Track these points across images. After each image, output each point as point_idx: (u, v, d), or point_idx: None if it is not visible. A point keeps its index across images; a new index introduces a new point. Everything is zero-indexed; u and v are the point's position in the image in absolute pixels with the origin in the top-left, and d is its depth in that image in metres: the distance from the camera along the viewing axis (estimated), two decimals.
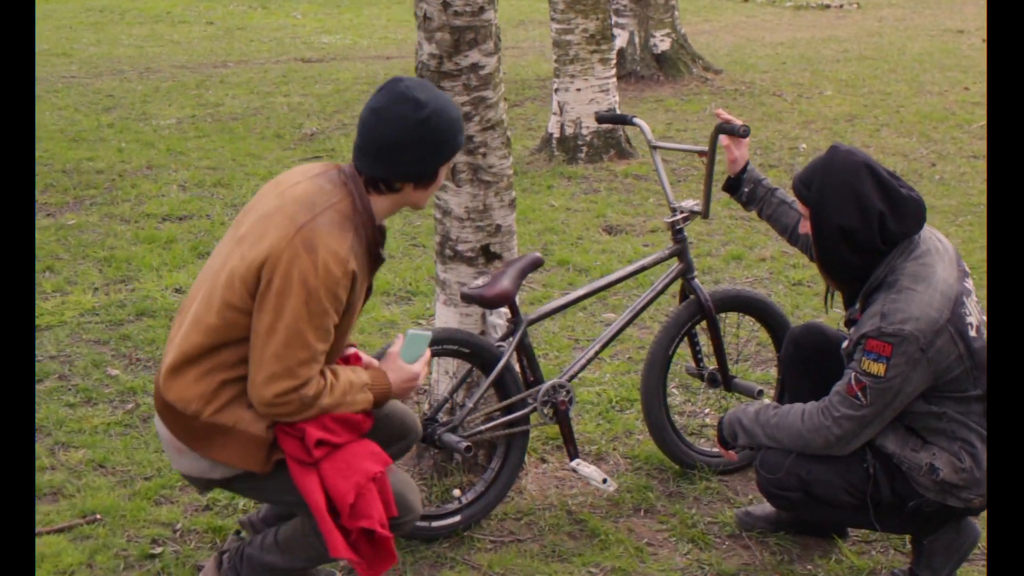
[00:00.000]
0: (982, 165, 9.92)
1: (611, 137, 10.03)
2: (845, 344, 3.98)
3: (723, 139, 4.58)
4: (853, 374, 3.82)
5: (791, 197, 4.46)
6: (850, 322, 4.00)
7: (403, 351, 3.71)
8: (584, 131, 9.94)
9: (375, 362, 3.76)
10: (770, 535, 4.43)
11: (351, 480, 3.43)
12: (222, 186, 9.15)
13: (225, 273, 3.43)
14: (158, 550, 4.30)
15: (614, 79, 10.05)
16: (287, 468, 3.50)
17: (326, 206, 3.42)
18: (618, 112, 10.12)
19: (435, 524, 4.35)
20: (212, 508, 4.57)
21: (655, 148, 4.91)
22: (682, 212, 4.79)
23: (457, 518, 4.39)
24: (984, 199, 8.91)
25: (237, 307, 3.39)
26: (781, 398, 4.92)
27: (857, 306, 3.92)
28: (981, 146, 10.62)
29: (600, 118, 5.15)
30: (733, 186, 4.63)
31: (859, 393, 3.80)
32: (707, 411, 5.48)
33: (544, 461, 4.99)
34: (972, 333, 3.81)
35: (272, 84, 13.65)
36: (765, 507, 4.49)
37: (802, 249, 4.43)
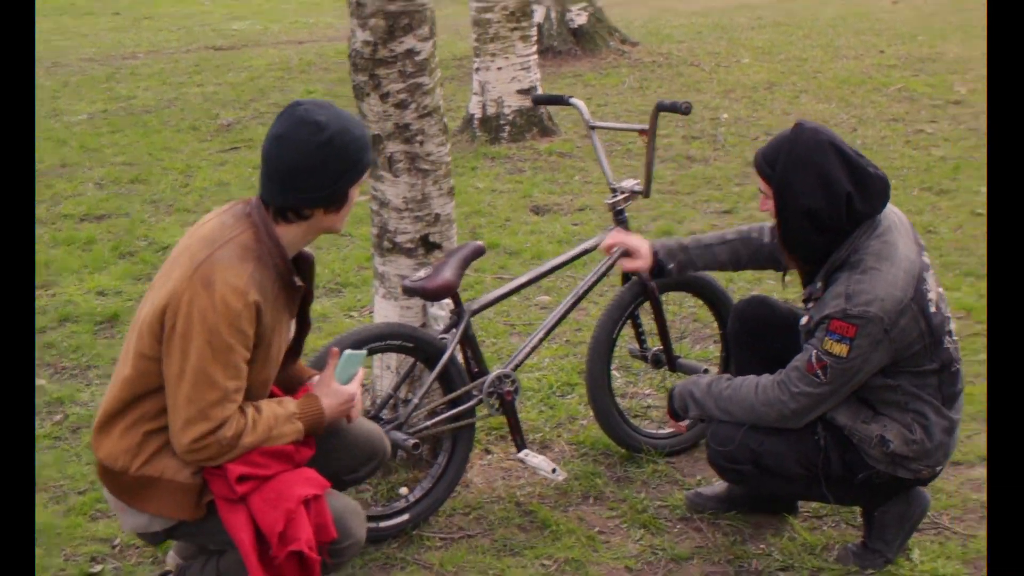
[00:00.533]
0: (902, 128, 9.99)
1: (533, 115, 9.96)
2: (804, 320, 3.92)
3: (625, 262, 4.47)
4: (814, 352, 3.76)
5: (704, 237, 4.42)
6: (809, 299, 3.95)
7: (338, 371, 3.60)
8: (506, 110, 9.86)
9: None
10: (722, 516, 4.39)
11: (281, 508, 3.32)
12: (140, 182, 8.96)
13: (138, 324, 3.37)
14: (97, 568, 4.16)
15: (535, 56, 9.98)
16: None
17: (225, 240, 3.32)
18: (540, 91, 10.05)
19: (383, 524, 4.25)
20: None
21: (593, 128, 4.82)
22: (623, 192, 4.71)
23: (405, 516, 4.29)
24: (906, 163, 8.96)
25: (147, 355, 3.31)
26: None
27: (819, 284, 3.86)
28: (899, 109, 10.69)
29: (536, 99, 5.05)
30: (660, 273, 4.48)
31: (819, 371, 3.75)
32: (649, 392, 5.43)
33: (488, 452, 4.90)
34: (932, 309, 3.78)
35: (184, 74, 13.42)
36: (715, 487, 4.45)
37: (759, 265, 4.39)
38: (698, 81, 12.07)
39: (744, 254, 4.39)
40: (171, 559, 3.93)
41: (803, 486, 3.99)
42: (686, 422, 4.31)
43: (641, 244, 4.45)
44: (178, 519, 3.44)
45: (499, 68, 9.81)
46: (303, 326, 3.63)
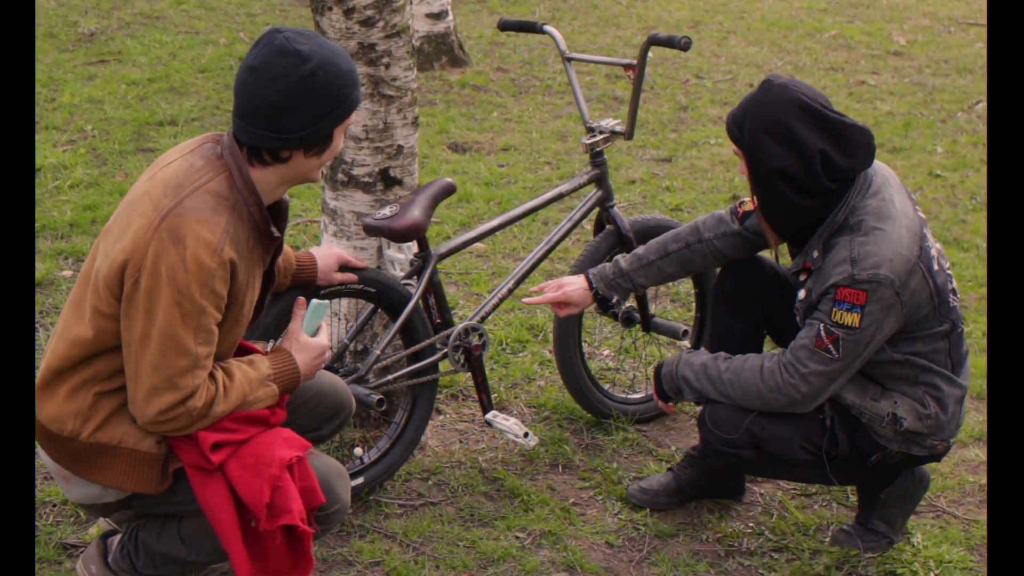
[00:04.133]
0: (843, 79, 10.17)
1: (443, 43, 9.91)
2: (802, 295, 3.94)
3: (559, 309, 4.50)
4: (821, 326, 3.81)
5: (644, 254, 4.39)
6: (799, 271, 3.99)
7: (305, 323, 3.56)
8: (414, 37, 9.76)
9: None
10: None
11: (264, 475, 3.26)
12: None
13: (92, 274, 3.27)
14: None
15: None
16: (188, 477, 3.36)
17: (195, 187, 3.22)
18: (451, 16, 9.96)
19: None
20: None
21: (569, 60, 4.82)
22: (602, 133, 4.72)
23: (360, 480, 4.28)
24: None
25: (104, 313, 3.22)
26: (700, 337, 4.95)
27: (815, 253, 3.89)
28: (837, 57, 10.88)
29: (503, 25, 4.99)
30: (605, 304, 4.50)
31: (830, 346, 3.80)
32: (606, 352, 5.48)
33: (439, 412, 4.91)
34: (935, 267, 3.87)
35: None
36: (659, 479, 4.45)
37: (723, 262, 4.38)
38: (616, 15, 12.13)
39: (697, 261, 4.37)
40: (102, 521, 3.86)
41: (806, 470, 4.06)
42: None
43: (572, 293, 4.43)
44: (138, 491, 3.38)
45: None
46: (267, 281, 3.54)
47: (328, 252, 4.10)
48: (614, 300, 4.45)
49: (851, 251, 3.77)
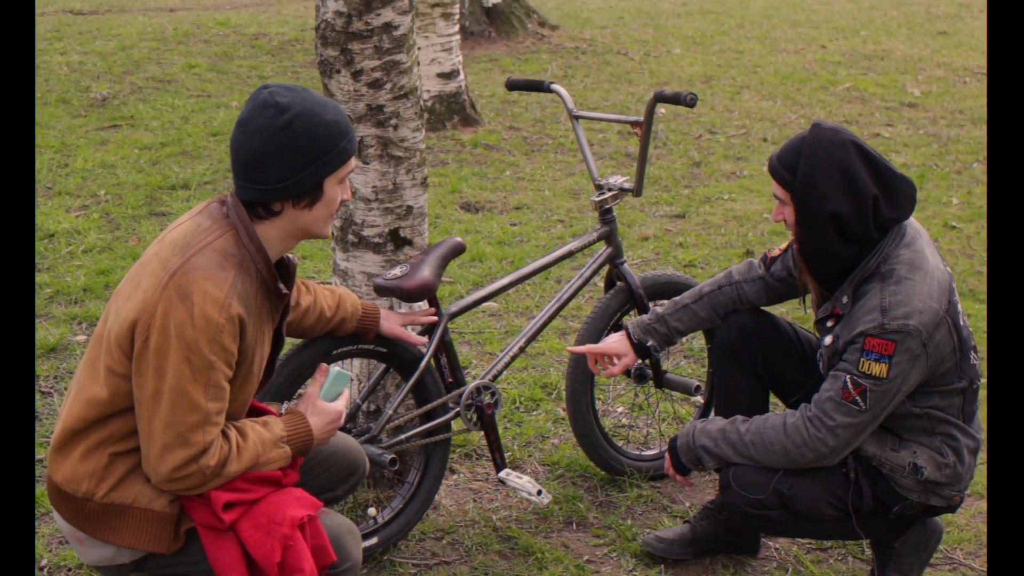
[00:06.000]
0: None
1: (455, 102, 10.04)
2: (828, 340, 4.00)
3: (607, 371, 4.60)
4: (848, 377, 3.85)
5: (680, 298, 4.51)
6: (823, 320, 4.05)
7: (324, 389, 3.63)
8: (425, 96, 9.91)
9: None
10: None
11: (276, 535, 3.32)
12: None
13: (104, 335, 3.35)
14: None
15: (458, 37, 10.06)
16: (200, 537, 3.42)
17: (202, 245, 3.32)
18: (463, 76, 10.10)
19: None
20: None
21: (577, 118, 4.92)
22: (610, 190, 4.80)
23: (374, 540, 4.35)
24: None
25: (117, 373, 3.30)
26: (712, 394, 5.01)
27: (845, 300, 3.95)
28: (851, 110, 10.99)
29: (511, 84, 5.10)
30: (645, 354, 4.57)
31: (857, 397, 3.84)
32: (620, 409, 5.54)
33: (453, 472, 4.98)
34: (962, 322, 3.92)
35: (43, 40, 13.24)
36: (675, 530, 4.50)
37: (746, 301, 4.46)
38: (628, 71, 12.26)
39: (726, 304, 4.45)
40: None
41: (832, 527, 4.10)
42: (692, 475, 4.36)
43: (616, 346, 4.54)
44: (151, 551, 3.44)
45: (418, 48, 9.85)
46: (276, 342, 3.62)
47: (392, 314, 4.31)
48: (650, 343, 4.50)
49: (882, 300, 3.82)
